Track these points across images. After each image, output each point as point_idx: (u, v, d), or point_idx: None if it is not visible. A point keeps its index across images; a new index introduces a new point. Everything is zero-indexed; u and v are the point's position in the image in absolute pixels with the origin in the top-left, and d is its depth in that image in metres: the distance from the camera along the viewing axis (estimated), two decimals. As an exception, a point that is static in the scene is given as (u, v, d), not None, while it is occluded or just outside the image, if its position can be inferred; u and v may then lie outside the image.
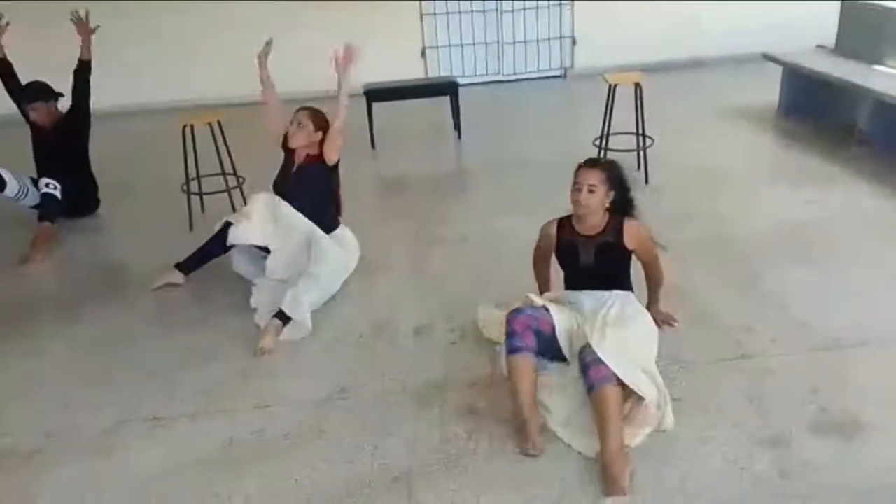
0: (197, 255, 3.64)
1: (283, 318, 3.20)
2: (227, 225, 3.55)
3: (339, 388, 2.82)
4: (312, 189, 3.57)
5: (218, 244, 3.59)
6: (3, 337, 3.36)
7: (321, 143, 3.59)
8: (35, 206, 4.41)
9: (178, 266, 3.64)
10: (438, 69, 7.64)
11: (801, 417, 2.48)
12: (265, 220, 3.50)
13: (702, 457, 2.35)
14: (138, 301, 3.60)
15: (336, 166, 3.65)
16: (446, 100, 5.91)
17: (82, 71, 4.48)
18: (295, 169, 3.62)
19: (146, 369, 3.05)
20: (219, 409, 2.76)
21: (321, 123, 3.62)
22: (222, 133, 4.43)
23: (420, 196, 4.82)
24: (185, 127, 4.35)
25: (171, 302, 3.57)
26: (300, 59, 7.21)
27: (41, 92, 4.47)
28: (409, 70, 7.01)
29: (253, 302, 3.45)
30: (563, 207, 4.29)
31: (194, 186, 4.48)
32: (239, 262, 3.69)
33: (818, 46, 5.96)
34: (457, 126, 5.90)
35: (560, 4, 7.59)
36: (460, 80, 6.31)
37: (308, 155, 3.60)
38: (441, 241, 4.05)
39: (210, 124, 4.37)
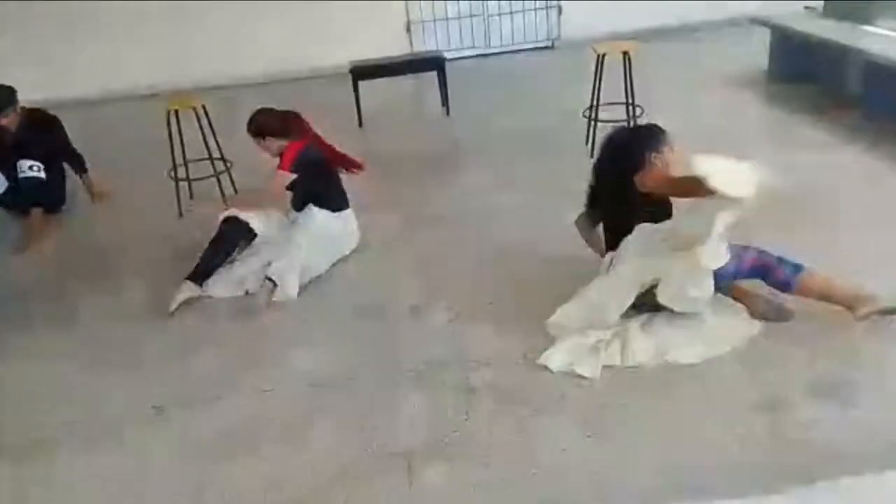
0: (209, 258, 3.43)
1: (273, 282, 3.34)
2: (230, 218, 3.49)
3: (336, 369, 2.82)
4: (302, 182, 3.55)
5: (232, 239, 3.49)
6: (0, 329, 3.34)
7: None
8: (12, 195, 4.28)
9: (191, 277, 3.39)
10: (424, 44, 7.54)
11: (798, 381, 2.49)
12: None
13: (701, 423, 2.36)
14: (131, 289, 3.56)
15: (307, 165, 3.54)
16: (433, 75, 5.84)
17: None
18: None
19: (143, 358, 3.04)
20: (218, 394, 2.76)
21: (272, 127, 3.57)
22: (207, 117, 4.37)
23: (411, 174, 4.78)
24: (169, 112, 4.28)
25: (163, 289, 3.53)
26: (283, 36, 7.15)
27: (8, 99, 4.27)
28: (394, 46, 6.92)
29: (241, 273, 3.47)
30: (554, 180, 4.28)
31: (182, 173, 4.43)
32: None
33: (806, 8, 5.90)
34: (445, 101, 5.84)
35: (545, -26, 7.49)
36: (447, 55, 6.24)
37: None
38: (433, 219, 4.03)
39: (195, 109, 4.31)
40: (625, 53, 4.48)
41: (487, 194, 4.26)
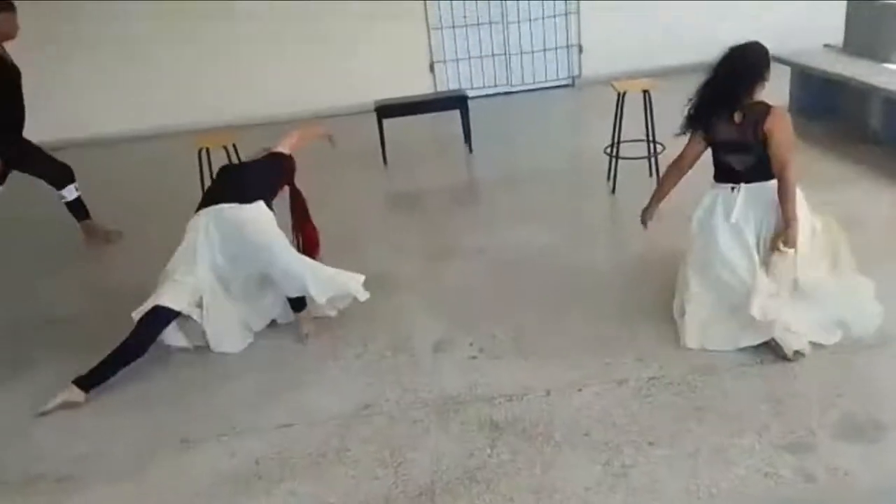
0: (106, 367, 3.05)
1: (299, 304, 3.33)
2: (156, 310, 3.11)
3: (362, 404, 2.85)
4: (250, 177, 3.58)
5: (143, 342, 3.10)
6: (29, 362, 3.41)
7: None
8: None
9: (79, 381, 3.02)
10: (447, 82, 7.69)
11: (824, 422, 2.48)
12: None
13: (725, 462, 2.35)
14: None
15: (285, 160, 3.73)
16: (456, 113, 5.96)
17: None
18: None
19: (172, 391, 3.09)
20: (244, 428, 2.80)
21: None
22: (237, 155, 4.49)
23: (434, 210, 4.85)
24: (200, 150, 4.41)
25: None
26: (310, 75, 7.34)
27: None
28: (418, 84, 7.08)
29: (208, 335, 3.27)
30: (577, 216, 4.33)
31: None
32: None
33: (826, 46, 5.95)
34: (467, 139, 5.94)
35: (566, 14, 7.63)
36: (469, 93, 6.36)
37: None
38: (457, 255, 4.08)
39: (225, 147, 4.44)
40: (645, 91, 4.55)
41: (510, 230, 4.31)
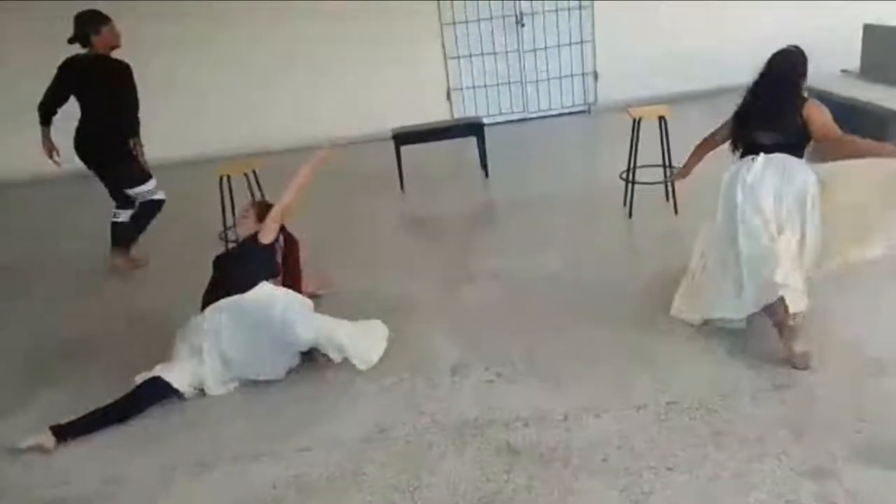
0: (92, 421, 3.03)
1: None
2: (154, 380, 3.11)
3: (379, 428, 2.86)
4: (247, 267, 3.46)
5: (135, 406, 3.08)
6: (51, 381, 3.46)
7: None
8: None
9: (56, 429, 2.98)
10: (464, 109, 7.79)
11: (844, 447, 2.44)
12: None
13: (745, 489, 2.32)
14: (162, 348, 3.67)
15: (273, 245, 3.56)
16: (473, 140, 6.02)
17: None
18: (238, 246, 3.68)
19: (189, 417, 3.11)
20: (260, 452, 2.81)
21: (264, 214, 3.60)
22: (258, 182, 4.56)
23: (451, 235, 4.89)
24: (221, 177, 4.49)
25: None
26: (329, 103, 7.47)
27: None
28: (435, 112, 7.18)
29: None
30: (593, 241, 4.34)
31: (232, 235, 4.61)
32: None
33: (843, 71, 5.95)
34: (484, 165, 5.99)
35: (581, 42, 7.72)
36: (486, 120, 6.43)
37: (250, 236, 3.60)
38: (473, 278, 4.10)
39: (246, 174, 4.51)
40: (661, 118, 4.57)
41: (527, 255, 4.33)
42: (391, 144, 5.86)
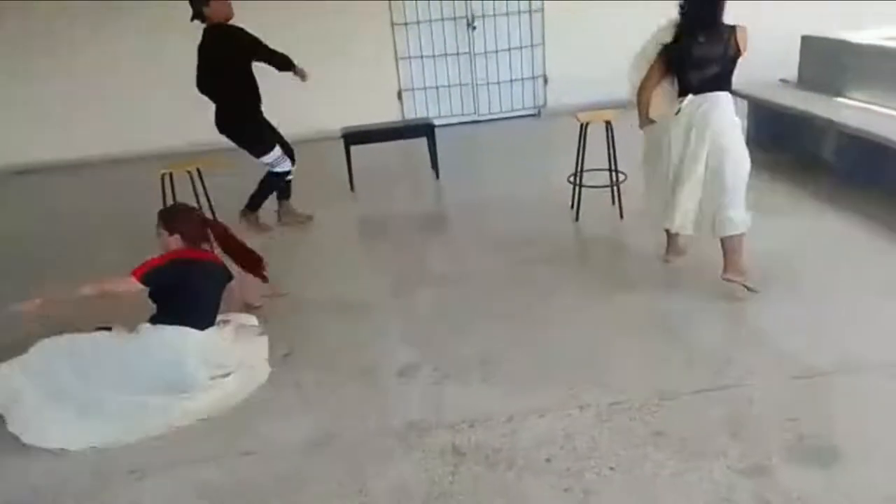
0: None
1: None
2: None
3: (324, 431, 2.82)
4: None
5: None
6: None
7: None
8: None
9: None
10: (415, 110, 7.77)
11: (781, 446, 2.52)
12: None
13: (684, 488, 2.37)
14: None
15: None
16: (423, 141, 6.01)
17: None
18: None
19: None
20: (201, 457, 2.74)
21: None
22: (202, 180, 4.46)
23: (401, 236, 4.87)
24: (163, 175, 4.37)
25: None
26: (278, 100, 7.33)
27: None
28: (386, 112, 7.14)
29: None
30: (541, 243, 4.38)
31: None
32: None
33: (781, 80, 6.15)
34: (434, 166, 5.98)
35: (532, 46, 7.80)
36: (436, 121, 6.42)
37: None
38: (422, 280, 4.09)
39: (189, 172, 4.40)
40: (607, 122, 4.64)
41: (476, 257, 4.34)
42: (341, 144, 5.80)
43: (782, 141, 5.64)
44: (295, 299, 3.96)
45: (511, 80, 7.91)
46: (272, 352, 3.39)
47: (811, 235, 4.23)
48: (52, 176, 6.91)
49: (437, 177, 5.95)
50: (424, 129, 6.07)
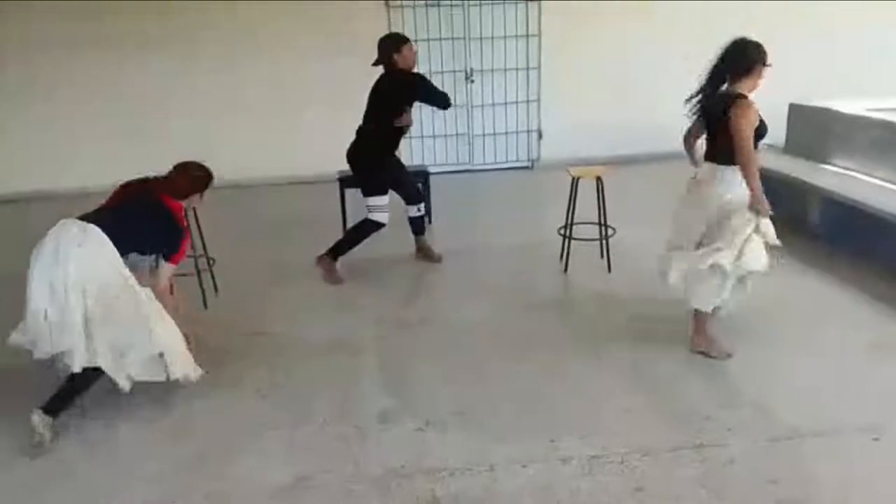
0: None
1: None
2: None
3: (299, 475, 2.79)
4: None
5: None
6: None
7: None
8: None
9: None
10: (411, 158, 7.87)
11: (759, 506, 2.52)
12: None
13: (663, 547, 2.36)
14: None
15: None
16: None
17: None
18: None
19: (102, 456, 2.98)
20: (170, 497, 2.69)
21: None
22: (195, 215, 4.49)
23: (387, 280, 4.89)
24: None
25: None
26: (276, 142, 7.47)
27: None
28: (382, 159, 7.22)
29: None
30: (528, 294, 4.41)
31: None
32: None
33: (768, 146, 6.29)
34: (427, 212, 6.03)
35: (528, 101, 7.98)
36: (431, 169, 6.52)
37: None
38: (407, 325, 4.10)
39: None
40: (598, 178, 4.74)
41: (463, 304, 4.36)
42: (336, 187, 5.86)
43: (771, 204, 5.71)
44: (276, 339, 3.95)
45: (506, 133, 8.07)
46: (247, 389, 3.38)
47: (793, 296, 4.28)
48: (31, 205, 6.93)
49: (430, 222, 6.00)
50: (419, 176, 6.13)
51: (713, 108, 3.41)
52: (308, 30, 7.37)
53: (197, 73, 7.36)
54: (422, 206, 5.17)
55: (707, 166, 3.53)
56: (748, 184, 3.35)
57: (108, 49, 7.07)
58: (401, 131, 4.87)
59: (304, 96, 7.46)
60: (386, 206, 4.83)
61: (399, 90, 4.73)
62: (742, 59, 3.36)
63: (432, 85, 4.81)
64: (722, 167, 3.42)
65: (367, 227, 4.85)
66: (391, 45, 4.70)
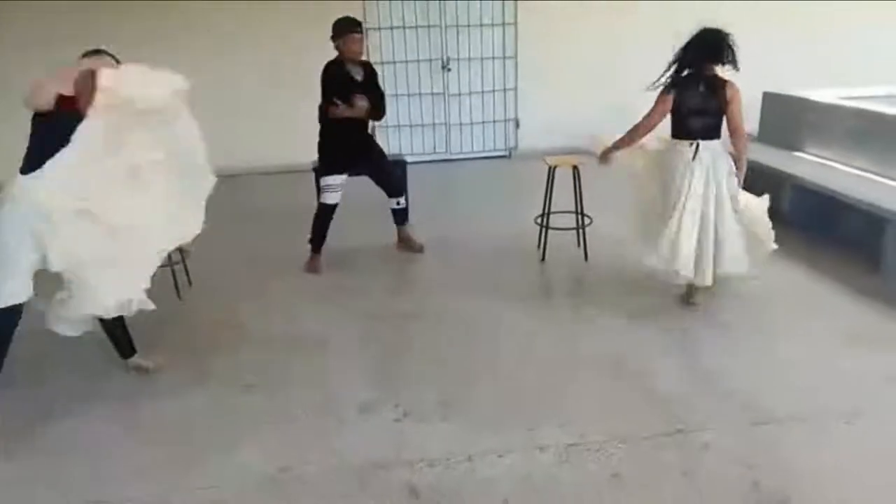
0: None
1: None
2: None
3: (281, 466, 2.77)
4: None
5: None
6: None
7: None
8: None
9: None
10: (388, 147, 7.82)
11: (736, 494, 2.54)
12: None
13: (641, 533, 2.37)
14: (66, 375, 3.47)
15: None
16: (395, 177, 6.04)
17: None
18: None
19: (81, 448, 2.93)
20: (157, 490, 2.66)
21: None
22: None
23: (366, 271, 4.86)
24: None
25: (99, 379, 3.45)
26: (254, 131, 7.38)
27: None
28: (358, 147, 7.16)
29: None
30: (506, 282, 4.41)
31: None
32: None
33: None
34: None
35: (504, 90, 7.96)
36: (408, 158, 6.47)
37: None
38: (386, 317, 4.08)
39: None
40: (574, 167, 4.74)
41: (440, 294, 4.35)
42: (311, 177, 5.79)
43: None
44: (256, 333, 3.91)
45: (483, 122, 8.05)
46: (227, 381, 3.35)
47: (770, 284, 4.32)
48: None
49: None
50: (396, 166, 6.10)
51: (693, 90, 3.76)
52: (281, 17, 7.27)
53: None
54: (402, 199, 5.14)
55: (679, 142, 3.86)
56: (743, 158, 3.89)
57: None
58: (352, 119, 4.68)
59: (281, 84, 7.37)
60: (335, 187, 4.78)
61: (322, 81, 4.62)
62: (715, 46, 3.68)
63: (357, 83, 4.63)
64: (705, 141, 3.81)
65: (319, 212, 4.83)
66: (333, 32, 4.59)
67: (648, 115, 3.89)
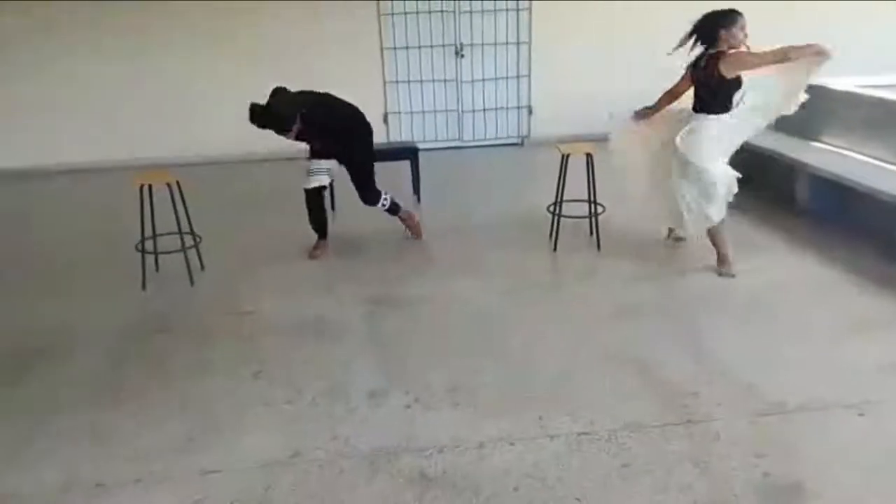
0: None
1: None
2: None
3: (291, 451, 2.79)
4: None
5: None
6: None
7: None
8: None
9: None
10: (400, 133, 7.81)
11: (746, 483, 2.54)
12: None
13: (650, 522, 2.37)
14: (82, 362, 3.51)
15: None
16: (407, 163, 6.03)
17: None
18: None
19: (88, 432, 2.96)
20: (165, 474, 2.69)
21: None
22: (181, 193, 4.44)
23: (378, 257, 4.87)
24: (142, 187, 4.34)
25: (113, 364, 3.49)
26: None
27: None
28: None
29: None
30: (517, 271, 4.41)
31: (149, 246, 4.44)
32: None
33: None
34: (416, 189, 6.01)
35: (518, 77, 7.91)
36: (421, 145, 6.46)
37: None
38: (397, 303, 4.08)
39: (169, 184, 4.38)
40: (588, 155, 4.71)
41: (451, 282, 4.35)
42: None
43: (759, 182, 5.70)
44: (267, 319, 3.93)
45: (496, 109, 8.00)
46: (237, 366, 3.36)
47: (781, 273, 4.30)
48: (25, 182, 6.83)
49: (419, 200, 5.97)
50: (408, 153, 6.10)
51: (699, 68, 4.10)
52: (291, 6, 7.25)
53: (177, 51, 7.23)
54: (379, 204, 4.98)
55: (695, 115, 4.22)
56: (799, 53, 3.91)
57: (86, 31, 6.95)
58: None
59: (295, 74, 7.35)
60: (314, 171, 4.80)
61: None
62: (708, 30, 4.02)
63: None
64: (701, 115, 4.16)
65: (305, 199, 4.82)
66: None
67: (672, 87, 4.36)
